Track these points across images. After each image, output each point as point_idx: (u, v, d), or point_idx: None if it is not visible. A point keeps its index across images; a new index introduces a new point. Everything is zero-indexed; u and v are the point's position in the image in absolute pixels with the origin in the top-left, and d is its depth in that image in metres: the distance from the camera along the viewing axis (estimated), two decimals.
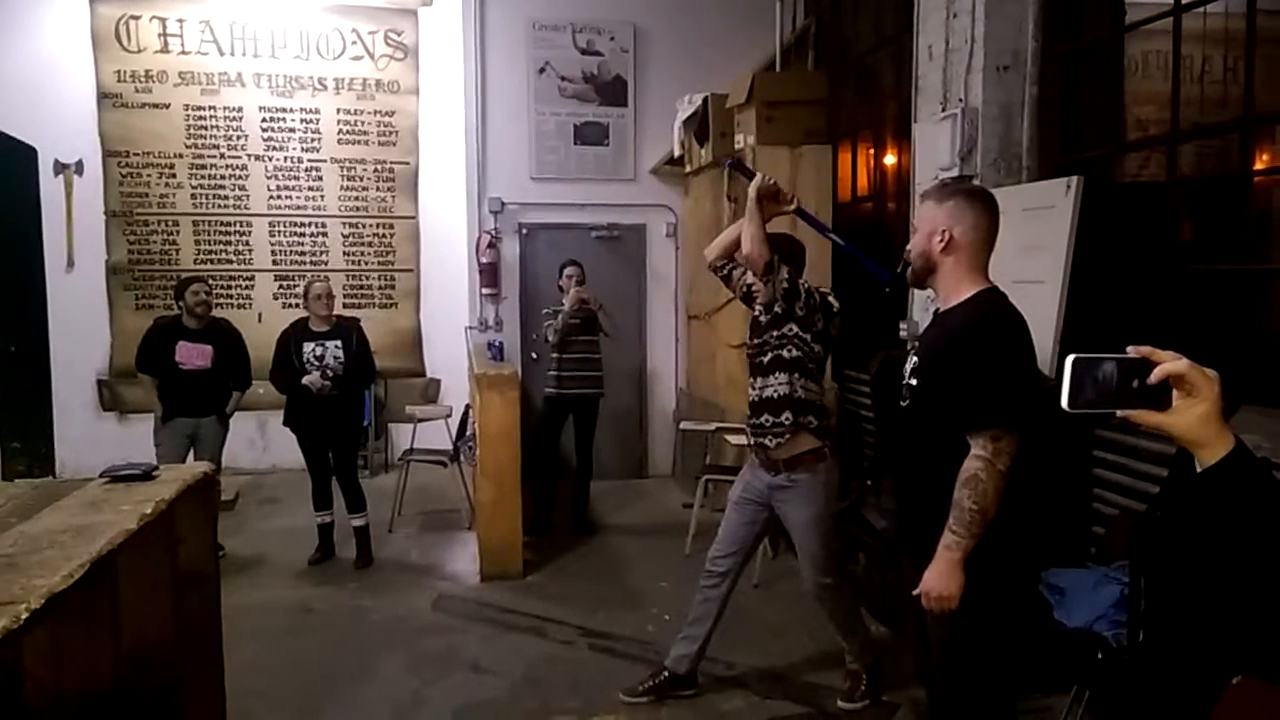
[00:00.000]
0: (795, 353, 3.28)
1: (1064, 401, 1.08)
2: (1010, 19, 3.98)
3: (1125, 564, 2.80)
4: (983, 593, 2.12)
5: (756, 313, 3.39)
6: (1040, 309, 3.25)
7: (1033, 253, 3.47)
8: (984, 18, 3.95)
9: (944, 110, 4.18)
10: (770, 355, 3.31)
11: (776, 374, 3.29)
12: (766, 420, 3.30)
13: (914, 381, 2.27)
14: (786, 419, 3.26)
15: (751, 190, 3.21)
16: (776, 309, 3.27)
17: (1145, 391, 1.08)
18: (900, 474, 2.43)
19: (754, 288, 3.35)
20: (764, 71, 6.40)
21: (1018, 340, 2.15)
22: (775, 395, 3.29)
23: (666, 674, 3.53)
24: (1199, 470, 1.10)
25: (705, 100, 6.18)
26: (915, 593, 2.17)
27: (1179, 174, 3.60)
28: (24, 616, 1.54)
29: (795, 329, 3.27)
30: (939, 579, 2.11)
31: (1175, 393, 1.09)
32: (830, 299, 3.40)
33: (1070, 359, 1.07)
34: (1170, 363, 1.08)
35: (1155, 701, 2.45)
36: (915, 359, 2.30)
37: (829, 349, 3.42)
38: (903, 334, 4.47)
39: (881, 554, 4.19)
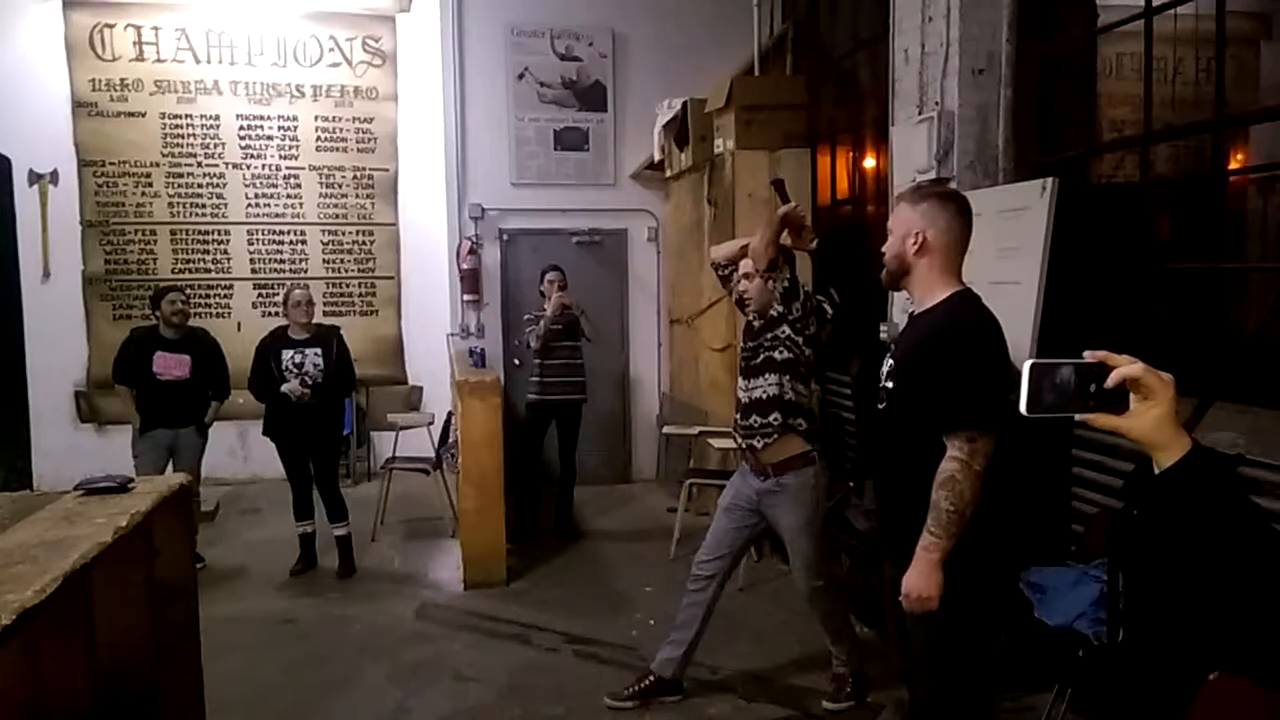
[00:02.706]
0: (786, 354, 3.31)
1: (1022, 406, 1.09)
2: (985, 22, 4.00)
3: (1104, 562, 2.82)
4: (962, 592, 2.13)
5: (750, 317, 3.42)
6: (1017, 310, 3.27)
7: (1009, 254, 3.49)
8: (959, 21, 3.97)
9: (921, 113, 4.20)
10: (762, 357, 3.34)
11: (766, 375, 3.32)
12: (755, 421, 3.32)
13: (890, 384, 2.28)
14: (775, 419, 3.28)
15: (780, 211, 3.30)
16: (772, 312, 3.32)
17: (1102, 395, 1.10)
18: (879, 476, 2.44)
19: (746, 295, 3.39)
20: (742, 76, 6.42)
21: (991, 342, 2.17)
22: (764, 396, 3.31)
23: (652, 678, 3.52)
24: (1157, 472, 1.12)
25: (684, 105, 6.20)
26: (899, 598, 2.18)
27: (1153, 174, 3.63)
28: None
29: (788, 331, 3.31)
30: (919, 580, 2.11)
31: (1132, 396, 1.10)
32: (825, 305, 3.46)
33: (1028, 364, 1.09)
34: (1126, 366, 1.09)
35: (1135, 697, 2.47)
36: (891, 361, 2.31)
37: (818, 355, 3.45)
38: (883, 336, 4.48)
39: (864, 555, 4.21)
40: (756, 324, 3.38)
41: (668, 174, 6.88)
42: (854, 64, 5.76)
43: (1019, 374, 1.11)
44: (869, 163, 5.57)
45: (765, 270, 3.29)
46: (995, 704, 2.43)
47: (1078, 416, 1.11)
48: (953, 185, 3.80)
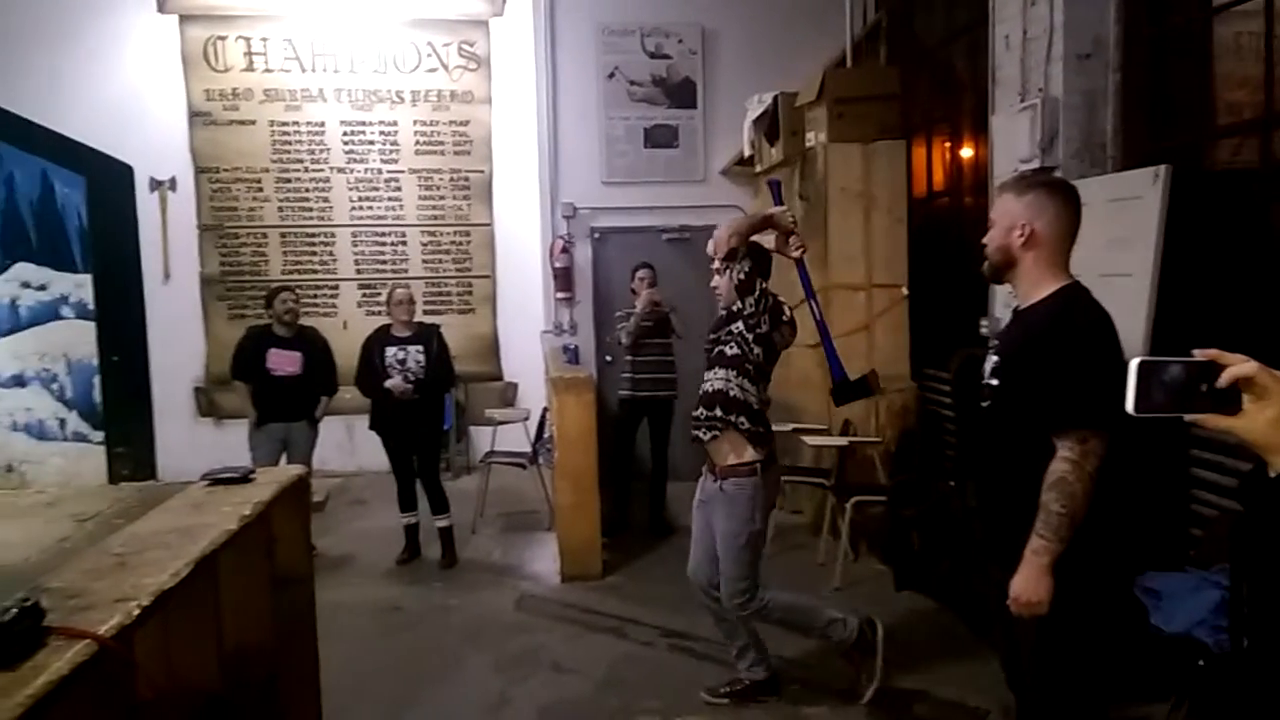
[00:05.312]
0: (735, 350, 3.31)
1: (1129, 406, 1.06)
2: (1091, 5, 3.87)
3: (1226, 567, 2.70)
4: (1073, 597, 2.06)
5: (721, 309, 3.45)
6: (1129, 304, 3.15)
7: (1120, 245, 3.37)
8: (1063, 5, 3.85)
9: (1023, 101, 4.08)
10: (716, 350, 3.37)
11: (716, 369, 3.35)
12: (701, 414, 3.35)
13: (995, 381, 2.22)
14: (717, 413, 3.29)
15: (770, 210, 3.35)
16: (733, 307, 3.32)
17: (1214, 395, 1.06)
18: (983, 476, 2.38)
19: (715, 288, 3.40)
20: (834, 68, 6.34)
21: (1103, 337, 2.10)
22: (710, 389, 3.34)
23: (747, 682, 3.52)
24: (1272, 475, 1.07)
25: (775, 99, 6.15)
26: (1007, 602, 2.12)
27: (1275, 160, 3.44)
28: (135, 613, 1.63)
29: (740, 327, 3.30)
30: (1027, 584, 2.06)
31: (1245, 396, 1.06)
32: (785, 307, 3.40)
33: (1135, 362, 1.06)
34: (1239, 365, 1.05)
35: (1261, 711, 2.36)
36: (995, 358, 2.25)
37: (771, 355, 3.39)
38: (984, 331, 4.38)
39: (967, 558, 4.11)
40: (721, 315, 3.41)
41: (757, 169, 6.83)
42: (950, 53, 5.62)
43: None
44: (966, 153, 5.44)
45: (723, 259, 3.27)
46: (1108, 714, 2.35)
47: (1187, 417, 1.08)
48: (1058, 174, 3.69)
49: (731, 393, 3.29)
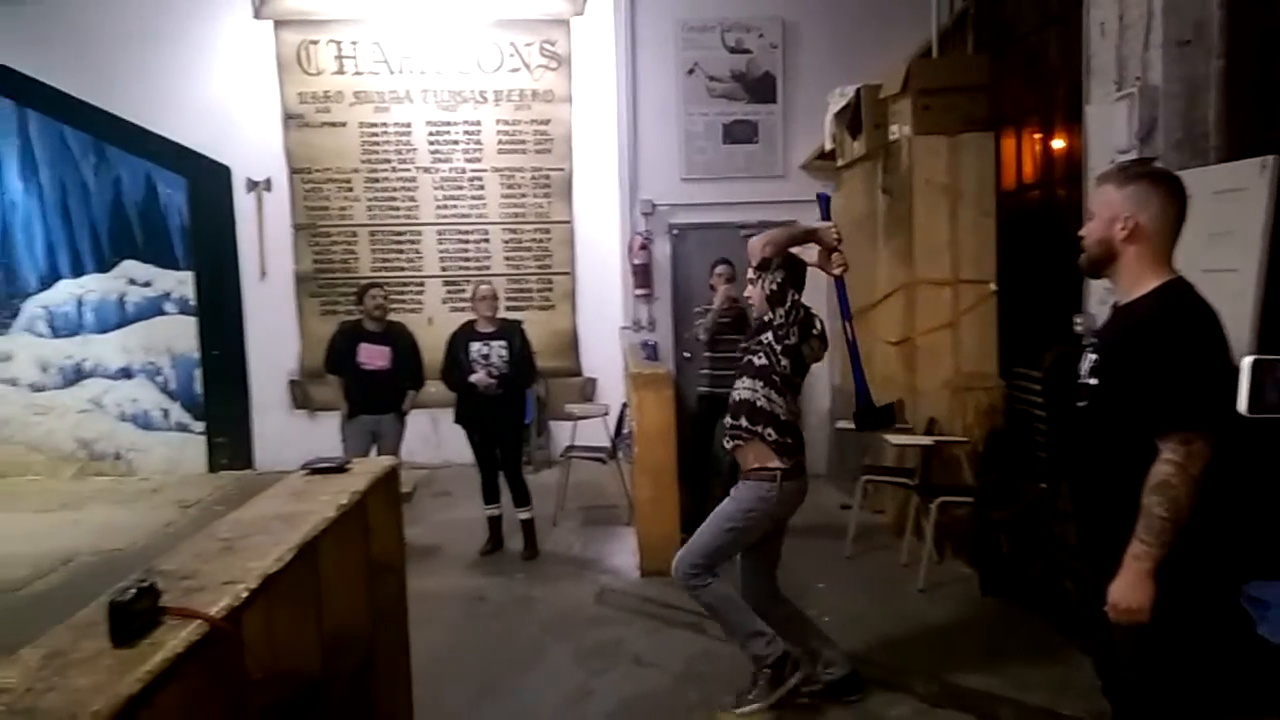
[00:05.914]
0: (763, 360, 3.31)
1: (1242, 405, 1.03)
2: None
3: None
4: (1176, 605, 1.99)
5: (754, 319, 3.47)
6: (1233, 300, 3.01)
7: (1223, 239, 3.23)
8: None
9: (1119, 90, 3.94)
10: (746, 359, 3.38)
11: (745, 378, 3.35)
12: (728, 422, 3.37)
13: (1093, 381, 2.15)
14: (743, 423, 3.29)
15: (815, 224, 3.37)
16: (766, 316, 3.31)
17: None
18: (1079, 479, 2.31)
19: (749, 298, 3.42)
20: (920, 59, 6.21)
21: (1210, 334, 2.00)
22: (738, 399, 3.34)
23: (827, 681, 3.48)
24: None
25: (858, 92, 6.06)
26: (1105, 608, 2.06)
27: None
28: (243, 595, 1.71)
29: (770, 338, 3.30)
30: (1128, 591, 1.99)
31: None
32: (816, 320, 3.38)
33: (1248, 361, 1.03)
34: None
35: None
36: (1094, 356, 2.18)
37: (800, 368, 3.37)
38: (1077, 329, 4.24)
39: (1061, 561, 4.00)
40: (756, 324, 3.41)
41: (839, 163, 6.75)
42: (1042, 41, 5.45)
43: (1238, 370, 1.05)
44: (1058, 144, 5.27)
45: (756, 267, 3.26)
46: None
47: None
48: (1158, 165, 3.55)
49: (758, 403, 3.30)
